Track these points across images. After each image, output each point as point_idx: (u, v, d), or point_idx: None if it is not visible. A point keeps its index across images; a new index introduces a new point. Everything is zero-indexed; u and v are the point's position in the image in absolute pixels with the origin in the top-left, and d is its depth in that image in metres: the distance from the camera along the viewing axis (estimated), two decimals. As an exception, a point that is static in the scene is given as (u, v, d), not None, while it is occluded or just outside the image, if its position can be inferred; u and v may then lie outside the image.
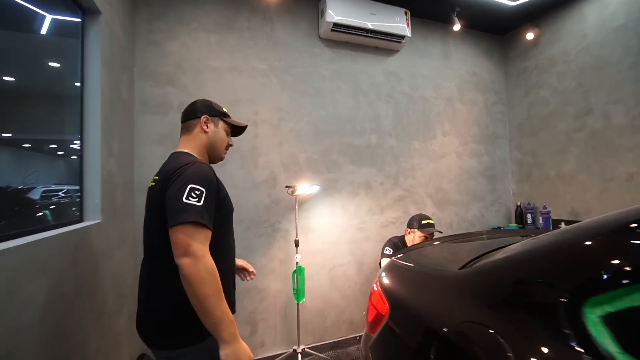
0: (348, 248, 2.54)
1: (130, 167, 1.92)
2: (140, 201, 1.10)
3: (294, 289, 2.14)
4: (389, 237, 2.37)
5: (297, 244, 2.18)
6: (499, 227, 3.07)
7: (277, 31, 2.40)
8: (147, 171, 1.93)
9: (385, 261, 2.17)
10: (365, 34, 2.51)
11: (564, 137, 2.77)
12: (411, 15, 2.65)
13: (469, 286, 0.82)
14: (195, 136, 1.10)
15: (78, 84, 1.36)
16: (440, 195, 2.90)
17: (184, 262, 0.81)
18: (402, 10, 2.61)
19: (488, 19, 2.96)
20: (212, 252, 0.87)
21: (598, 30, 2.51)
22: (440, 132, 2.94)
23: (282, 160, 2.36)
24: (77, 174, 1.33)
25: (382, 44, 2.66)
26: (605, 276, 0.59)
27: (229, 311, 0.86)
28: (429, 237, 2.18)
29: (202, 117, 1.10)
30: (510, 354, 0.61)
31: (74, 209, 1.31)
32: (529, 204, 2.99)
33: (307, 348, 2.25)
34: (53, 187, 1.26)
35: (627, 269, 0.57)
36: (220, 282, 0.85)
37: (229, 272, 1.05)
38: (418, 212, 2.47)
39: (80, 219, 1.31)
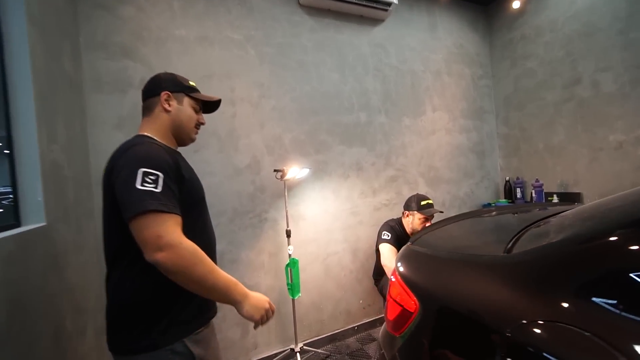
0: (342, 235, 2.37)
1: (84, 157, 1.60)
2: (101, 197, 0.87)
3: (287, 284, 1.94)
4: (385, 221, 2.23)
5: (288, 234, 1.97)
6: (489, 204, 3.03)
7: (251, -5, 2.10)
8: (106, 161, 1.61)
9: (385, 247, 2.02)
10: (349, 0, 2.27)
11: (552, 108, 2.72)
12: (397, -20, 2.43)
13: (537, 275, 0.66)
14: (157, 117, 0.96)
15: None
16: (432, 174, 2.78)
17: (160, 258, 0.72)
18: (388, -27, 2.39)
19: (474, -14, 2.81)
20: None
21: (586, -5, 2.44)
22: (430, 107, 2.80)
23: (265, 142, 2.11)
24: (5, 167, 1.03)
25: (367, 12, 2.44)
26: None
27: (228, 275, 0.83)
28: (429, 219, 2.05)
29: (163, 93, 0.95)
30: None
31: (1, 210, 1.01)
32: (517, 178, 2.96)
33: (305, 345, 2.08)
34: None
35: None
36: (207, 256, 0.79)
37: None
38: (414, 193, 2.33)
39: (15, 224, 1.02)
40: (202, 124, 1.06)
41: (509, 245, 0.84)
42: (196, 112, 1.03)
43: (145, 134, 0.93)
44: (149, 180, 0.76)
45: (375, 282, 2.35)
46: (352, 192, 2.42)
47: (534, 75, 2.84)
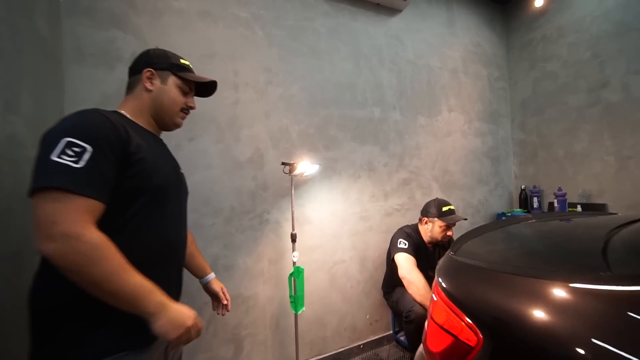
0: (350, 241, 2.14)
1: (57, 139, 1.35)
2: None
3: (290, 297, 1.69)
4: (400, 227, 2.01)
5: (294, 238, 1.73)
6: (503, 214, 2.84)
7: (260, -29, 1.88)
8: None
9: (403, 256, 1.79)
10: (367, -16, 2.08)
11: (575, 113, 2.55)
12: (418, -32, 2.26)
13: None
14: (137, 96, 0.87)
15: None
16: (446, 178, 2.58)
17: (49, 250, 0.59)
18: (409, -41, 2.21)
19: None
20: (124, 237, 0.69)
21: (618, -7, 2.29)
22: (446, 107, 2.61)
23: (270, 134, 1.88)
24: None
25: (385, 0, 2.25)
26: None
27: (142, 281, 0.67)
28: (451, 227, 1.84)
29: (145, 71, 0.86)
30: None
31: None
32: (534, 187, 2.78)
33: (306, 365, 1.83)
34: None
35: None
36: (118, 254, 0.65)
37: (159, 266, 0.78)
38: (429, 198, 2.12)
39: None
40: (191, 108, 0.95)
41: (601, 261, 0.62)
42: (184, 94, 0.92)
43: (120, 111, 0.84)
44: (71, 153, 0.63)
45: (384, 294, 2.12)
46: (363, 195, 2.20)
47: (555, 78, 2.68)
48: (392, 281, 1.96)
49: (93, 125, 0.69)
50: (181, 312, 0.72)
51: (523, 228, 1.07)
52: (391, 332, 2.26)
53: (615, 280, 0.58)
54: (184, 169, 1.00)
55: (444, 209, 1.83)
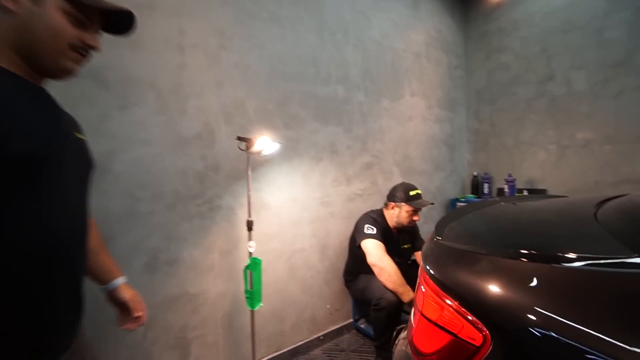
0: (310, 228, 1.99)
1: None
2: None
3: (246, 292, 1.50)
4: (365, 212, 1.92)
5: (250, 226, 1.53)
6: (457, 199, 2.93)
7: None
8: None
9: (371, 243, 1.70)
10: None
11: (524, 104, 2.69)
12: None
13: None
14: None
15: None
16: (407, 164, 2.56)
17: None
18: None
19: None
20: None
21: (566, -9, 2.41)
22: (409, 91, 2.56)
23: (222, 107, 1.63)
24: None
25: (351, -31, 2.09)
26: None
27: None
28: (418, 212, 1.79)
29: None
30: None
31: None
32: (485, 173, 2.90)
33: (263, 364, 1.67)
34: None
35: None
36: None
37: (37, 275, 0.56)
38: (392, 182, 2.06)
39: None
40: (91, 47, 0.64)
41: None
42: (78, 24, 0.61)
43: None
44: None
45: (346, 282, 2.03)
46: (325, 179, 2.06)
47: (507, 69, 2.79)
48: (355, 268, 1.88)
49: None
50: None
51: (504, 208, 1.01)
52: (351, 320, 2.20)
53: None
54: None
55: (412, 193, 1.78)
